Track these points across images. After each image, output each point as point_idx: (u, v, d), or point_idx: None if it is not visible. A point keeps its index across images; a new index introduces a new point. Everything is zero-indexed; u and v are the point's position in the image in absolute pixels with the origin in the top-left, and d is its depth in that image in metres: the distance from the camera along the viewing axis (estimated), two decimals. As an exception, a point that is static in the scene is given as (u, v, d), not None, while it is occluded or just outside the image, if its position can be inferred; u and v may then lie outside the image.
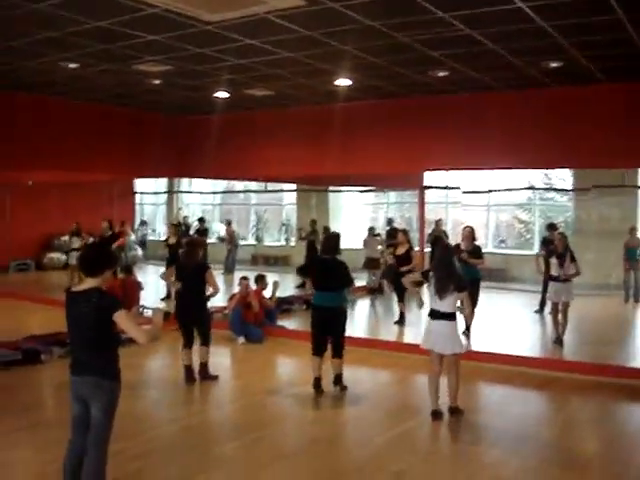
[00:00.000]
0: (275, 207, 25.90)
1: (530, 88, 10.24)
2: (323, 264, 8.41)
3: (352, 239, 20.78)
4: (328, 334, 8.27)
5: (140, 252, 23.62)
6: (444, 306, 7.23)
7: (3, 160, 11.35)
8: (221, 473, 5.97)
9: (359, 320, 14.51)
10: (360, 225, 21.68)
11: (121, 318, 4.74)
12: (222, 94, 11.46)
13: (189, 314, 8.80)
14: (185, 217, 23.51)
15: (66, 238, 20.79)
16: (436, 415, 7.30)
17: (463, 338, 7.71)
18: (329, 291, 8.15)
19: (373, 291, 16.32)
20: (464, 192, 17.84)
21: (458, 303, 7.35)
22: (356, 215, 23.26)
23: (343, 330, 8.33)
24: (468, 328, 9.87)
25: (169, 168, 14.17)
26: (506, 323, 13.61)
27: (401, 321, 12.73)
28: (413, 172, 12.04)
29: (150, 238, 25.82)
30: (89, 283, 4.87)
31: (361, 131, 11.79)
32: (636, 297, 15.79)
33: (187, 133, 13.64)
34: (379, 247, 16.96)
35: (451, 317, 7.27)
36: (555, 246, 11.50)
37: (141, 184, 25.43)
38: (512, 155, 10.75)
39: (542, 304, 13.66)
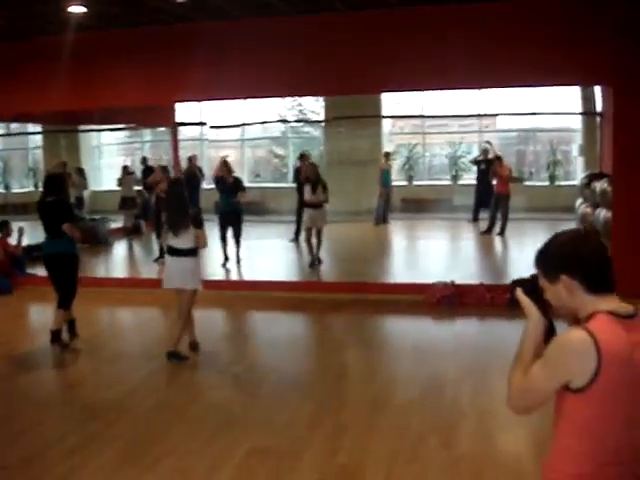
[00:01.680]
0: (21, 151, 24.19)
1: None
2: (45, 207, 7.57)
3: (108, 180, 20.04)
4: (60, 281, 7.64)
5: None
6: (180, 242, 6.95)
7: None
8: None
9: (118, 261, 14.17)
10: (115, 166, 20.91)
11: None
12: None
13: None
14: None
15: None
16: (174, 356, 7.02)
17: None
18: (55, 237, 7.47)
19: (130, 232, 15.89)
20: (212, 127, 17.77)
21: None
22: (110, 155, 22.38)
23: (71, 278, 7.66)
24: None
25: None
26: (263, 253, 13.90)
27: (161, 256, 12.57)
28: (162, 104, 11.65)
29: None
30: None
31: (104, 63, 11.12)
32: (385, 218, 16.80)
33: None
34: (135, 187, 16.52)
35: (189, 253, 6.97)
36: (307, 175, 11.87)
37: None
38: (256, 83, 10.66)
39: (297, 232, 14.06)
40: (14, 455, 4.95)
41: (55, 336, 7.57)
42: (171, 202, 7.15)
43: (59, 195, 7.58)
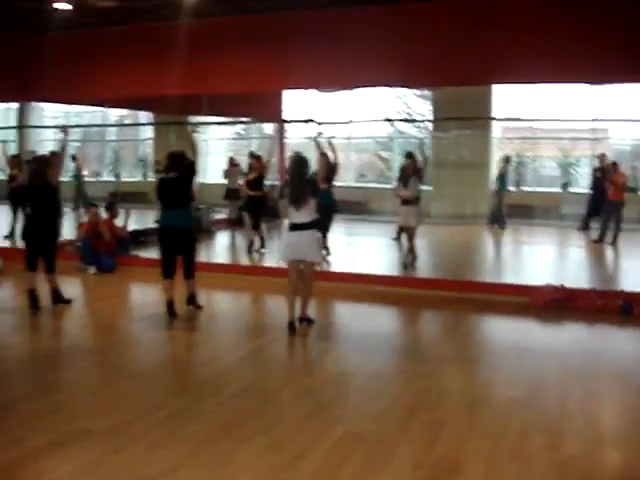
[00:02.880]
0: (132, 143, 24.96)
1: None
2: (167, 181, 8.01)
3: (214, 173, 20.33)
4: (177, 254, 7.99)
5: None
6: (301, 217, 7.18)
7: None
8: (59, 396, 5.56)
9: (220, 250, 14.29)
10: (222, 160, 21.24)
11: None
12: (63, 5, 10.59)
13: (37, 236, 8.24)
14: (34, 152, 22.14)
15: None
16: (292, 327, 7.24)
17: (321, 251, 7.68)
18: (174, 209, 7.89)
19: (234, 223, 16.01)
20: (319, 123, 17.70)
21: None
22: (217, 151, 22.73)
23: (193, 249, 8.17)
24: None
25: (9, 92, 13.12)
26: (363, 248, 13.76)
27: (262, 246, 12.60)
28: (270, 90, 11.65)
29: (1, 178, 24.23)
30: None
31: (214, 50, 11.18)
32: (502, 222, 16.39)
33: (28, 53, 12.55)
34: (239, 182, 16.66)
35: (309, 226, 7.22)
36: (405, 169, 11.66)
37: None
38: (377, 73, 10.47)
39: (400, 231, 13.78)
40: (104, 421, 4.92)
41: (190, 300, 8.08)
42: (293, 177, 7.30)
43: (181, 172, 7.87)
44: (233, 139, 24.07)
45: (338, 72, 10.39)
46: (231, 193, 16.53)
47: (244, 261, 12.06)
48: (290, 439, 4.65)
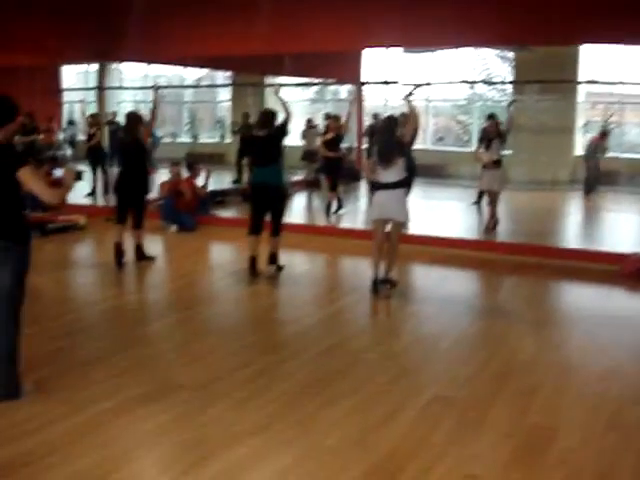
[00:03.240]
0: (209, 104, 25.11)
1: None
2: (258, 139, 8.07)
3: (291, 135, 20.21)
4: (266, 211, 7.99)
5: (69, 152, 22.59)
6: (390, 176, 7.07)
7: None
8: (147, 351, 5.64)
9: (296, 211, 14.25)
10: (298, 122, 21.17)
11: (26, 175, 4.29)
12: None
13: (128, 191, 8.40)
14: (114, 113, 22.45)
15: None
16: (375, 287, 7.17)
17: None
18: (266, 166, 7.89)
19: (311, 184, 15.95)
20: (405, 84, 17.38)
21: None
22: (295, 112, 22.64)
23: (283, 207, 8.15)
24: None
25: (95, 51, 13.23)
26: (443, 212, 13.56)
27: (339, 207, 12.51)
28: (352, 48, 11.42)
29: (80, 138, 24.72)
30: None
31: (294, 6, 11.02)
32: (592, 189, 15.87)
33: (112, 9, 12.59)
34: (317, 143, 16.54)
35: (398, 185, 7.12)
36: (487, 131, 11.38)
37: (68, 80, 24.18)
38: (463, 32, 10.17)
39: (480, 195, 13.50)
40: (192, 377, 4.97)
41: (272, 259, 8.02)
42: (384, 136, 7.29)
43: (272, 129, 7.90)
44: (310, 101, 23.91)
45: (423, 30, 10.13)
46: (308, 155, 16.44)
47: (321, 222, 11.99)
48: (377, 402, 4.59)
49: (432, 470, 3.71)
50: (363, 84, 17.90)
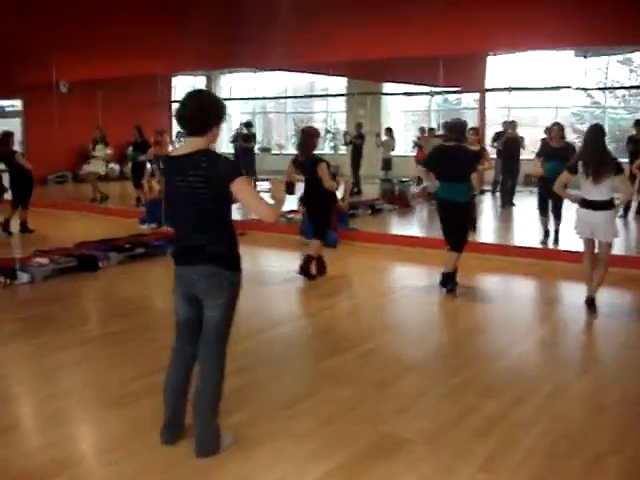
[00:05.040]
0: (319, 114, 24.61)
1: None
2: (447, 151, 7.44)
3: (401, 146, 19.43)
4: (452, 226, 7.52)
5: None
6: (599, 193, 6.39)
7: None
8: (342, 391, 4.81)
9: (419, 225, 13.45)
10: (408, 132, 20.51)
11: (242, 187, 3.58)
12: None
13: (311, 205, 8.32)
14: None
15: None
16: (591, 304, 6.69)
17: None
18: (453, 182, 7.28)
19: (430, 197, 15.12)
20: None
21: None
22: (404, 122, 21.95)
23: (464, 225, 7.70)
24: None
25: (209, 59, 12.81)
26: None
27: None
28: (473, 52, 10.66)
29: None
30: (193, 144, 3.65)
31: (409, 7, 10.28)
32: None
33: (226, 15, 12.00)
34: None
35: (607, 205, 6.45)
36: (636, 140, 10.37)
37: (179, 93, 24.05)
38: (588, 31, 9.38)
39: (626, 209, 12.26)
40: (411, 428, 4.17)
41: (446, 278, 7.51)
42: (591, 146, 6.46)
43: (459, 141, 7.44)
44: (419, 111, 23.06)
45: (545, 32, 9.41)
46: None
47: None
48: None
49: None
50: (486, 91, 17.09)
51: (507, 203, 14.50)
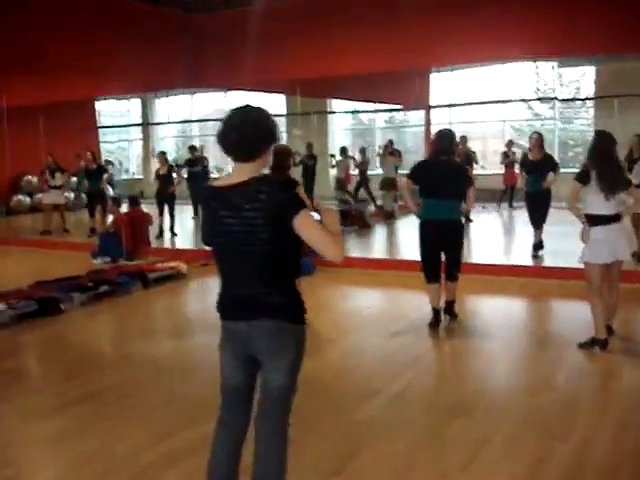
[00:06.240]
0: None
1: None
2: (437, 166, 6.69)
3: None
4: (442, 252, 6.70)
5: (111, 192, 21.39)
6: (610, 207, 5.80)
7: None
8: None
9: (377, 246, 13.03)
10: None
11: (306, 222, 2.89)
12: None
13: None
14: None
15: (30, 178, 18.95)
16: (606, 344, 5.83)
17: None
18: (444, 199, 6.49)
19: (390, 216, 14.86)
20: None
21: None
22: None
23: (461, 246, 6.89)
24: None
25: (181, 78, 12.17)
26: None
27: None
28: (419, 68, 10.61)
29: (123, 177, 23.54)
30: (244, 171, 2.95)
31: (356, 27, 10.05)
32: None
33: (200, 34, 11.45)
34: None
35: (618, 219, 5.87)
36: (631, 150, 10.14)
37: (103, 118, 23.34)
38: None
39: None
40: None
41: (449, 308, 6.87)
42: (606, 158, 5.84)
43: (450, 156, 6.76)
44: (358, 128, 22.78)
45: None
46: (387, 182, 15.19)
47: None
48: None
49: None
50: (431, 107, 17.10)
51: (465, 220, 14.18)
